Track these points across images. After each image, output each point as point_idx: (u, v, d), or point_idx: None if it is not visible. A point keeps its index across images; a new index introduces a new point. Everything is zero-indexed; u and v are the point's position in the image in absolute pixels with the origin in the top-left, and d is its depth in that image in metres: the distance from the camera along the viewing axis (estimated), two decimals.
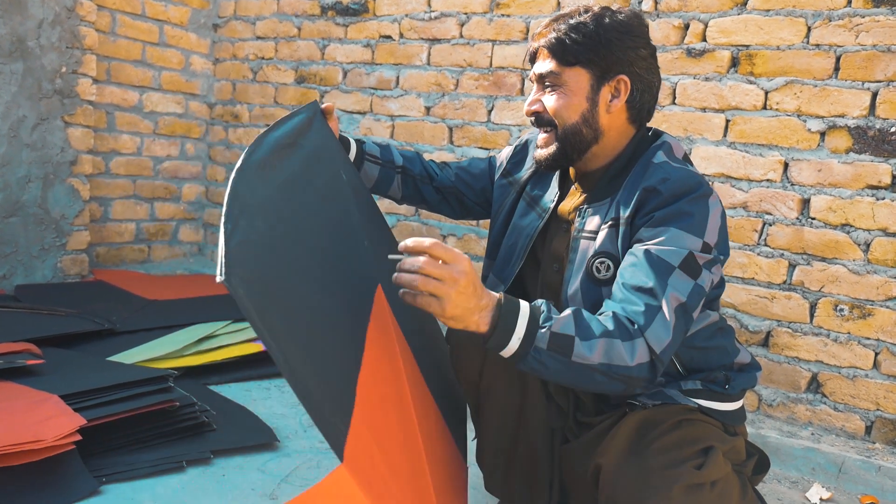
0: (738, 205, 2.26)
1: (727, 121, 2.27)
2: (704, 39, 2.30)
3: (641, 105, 1.37)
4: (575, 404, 1.49)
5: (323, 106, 1.57)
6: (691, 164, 1.39)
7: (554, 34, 1.35)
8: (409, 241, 1.09)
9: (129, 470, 1.67)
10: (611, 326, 1.15)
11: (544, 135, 1.40)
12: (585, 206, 1.39)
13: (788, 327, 2.19)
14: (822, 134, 2.12)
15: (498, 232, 1.60)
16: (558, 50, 1.34)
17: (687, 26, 2.33)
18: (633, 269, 1.23)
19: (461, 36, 2.84)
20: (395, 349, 1.32)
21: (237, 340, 2.48)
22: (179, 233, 3.74)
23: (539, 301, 1.17)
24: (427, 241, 1.08)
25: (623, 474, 1.20)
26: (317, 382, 0.97)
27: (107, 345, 2.36)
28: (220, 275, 0.84)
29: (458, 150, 2.86)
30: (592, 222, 1.37)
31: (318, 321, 1.10)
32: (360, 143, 1.67)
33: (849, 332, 2.10)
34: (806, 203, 2.16)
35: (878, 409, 2.07)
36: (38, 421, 1.60)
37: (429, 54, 2.94)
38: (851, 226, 2.09)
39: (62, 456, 1.58)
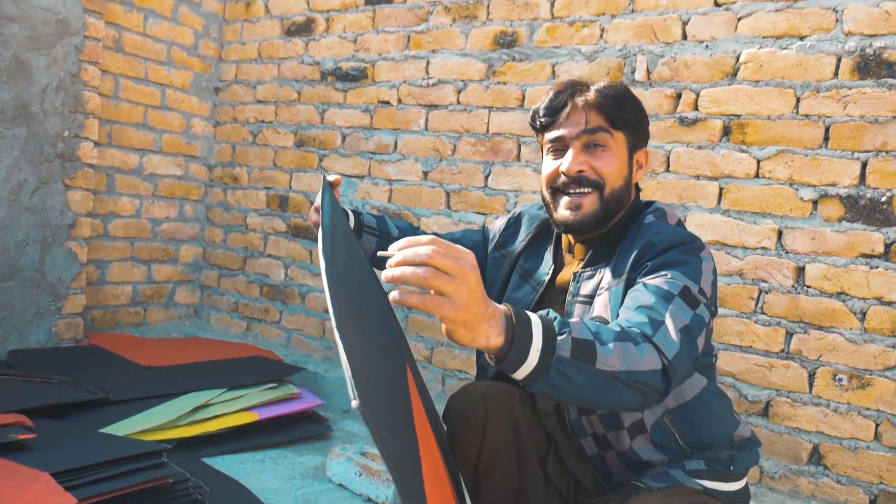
0: (733, 272, 2.27)
1: (721, 188, 2.30)
2: (696, 108, 2.34)
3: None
4: (575, 487, 1.47)
5: (331, 179, 1.58)
6: (685, 230, 1.40)
7: (604, 95, 1.36)
8: (402, 241, 0.95)
9: None
10: (620, 332, 1.10)
11: (583, 196, 1.37)
12: (581, 271, 1.40)
13: (788, 397, 2.17)
14: (815, 202, 2.14)
15: None
16: (611, 111, 1.36)
17: (679, 96, 2.38)
18: (632, 295, 1.23)
19: (458, 102, 2.89)
20: (427, 429, 1.31)
21: (231, 410, 2.45)
22: (176, 295, 3.73)
23: (542, 311, 1.08)
24: (425, 238, 0.94)
25: None
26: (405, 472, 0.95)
27: (100, 414, 2.33)
28: (354, 398, 0.79)
29: (455, 214, 2.88)
30: (588, 286, 1.38)
31: (395, 410, 1.08)
32: (357, 214, 1.67)
33: (848, 403, 2.09)
34: (801, 271, 2.16)
35: (881, 483, 2.04)
36: (29, 503, 1.57)
37: (426, 120, 2.98)
38: (847, 294, 2.09)
39: None
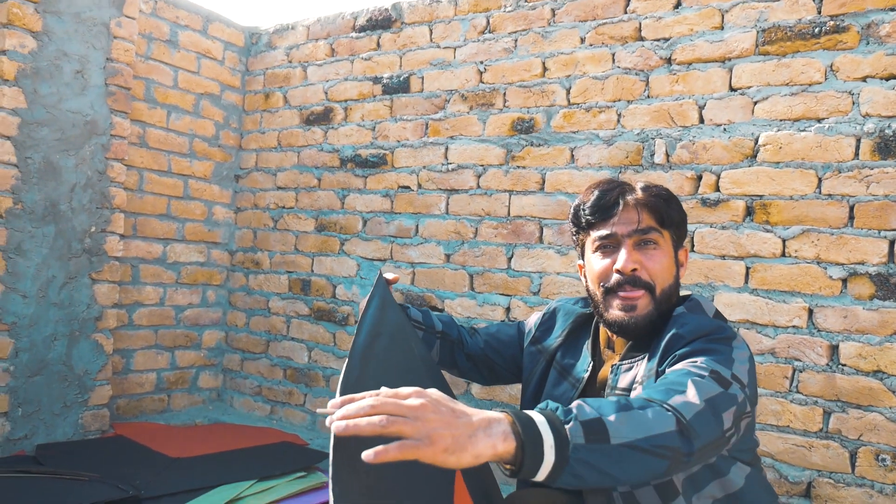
0: (766, 351, 2.26)
1: (747, 268, 2.31)
2: (718, 190, 2.38)
3: None
4: None
5: (389, 277, 1.60)
6: (723, 320, 1.40)
7: (652, 195, 1.39)
8: (337, 400, 0.94)
9: None
10: (617, 402, 1.06)
11: (637, 298, 1.36)
12: (619, 363, 1.40)
13: (830, 477, 2.14)
14: (844, 281, 2.15)
15: (529, 400, 1.59)
16: (661, 210, 1.38)
17: (700, 177, 2.42)
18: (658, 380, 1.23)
19: (479, 186, 2.94)
20: None
21: (263, 502, 2.42)
22: (199, 380, 3.73)
23: (539, 405, 1.05)
24: (364, 393, 0.92)
25: None
26: None
27: None
28: None
29: (479, 296, 2.89)
30: (625, 379, 1.38)
31: None
32: (404, 308, 1.68)
33: (893, 484, 2.05)
34: (835, 349, 2.16)
35: None
36: None
37: (447, 203, 3.03)
38: (884, 372, 2.08)
39: None
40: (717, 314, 1.42)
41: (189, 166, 3.62)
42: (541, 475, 0.96)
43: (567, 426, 0.98)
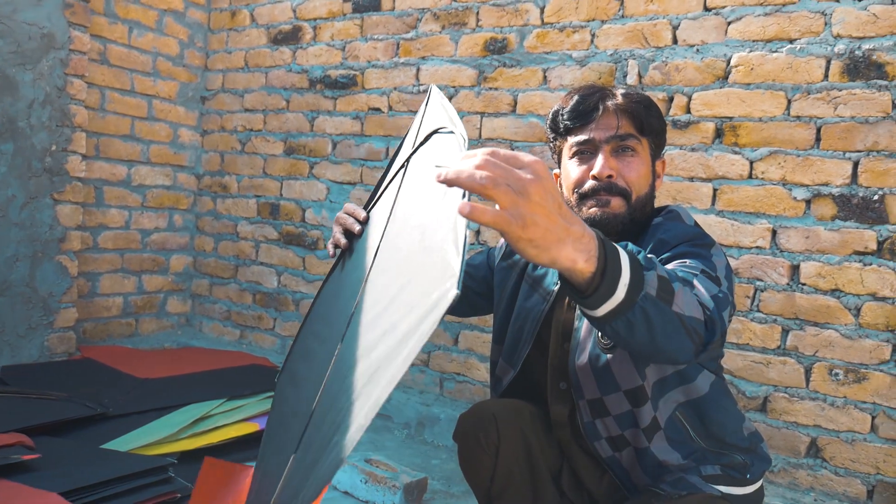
0: None
1: (714, 190, 2.33)
2: (689, 112, 2.37)
3: None
4: (591, 500, 1.48)
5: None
6: (695, 227, 1.39)
7: (633, 101, 1.36)
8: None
9: None
10: (680, 274, 1.06)
11: (611, 200, 1.34)
12: None
13: (785, 392, 2.21)
14: (808, 202, 2.18)
15: (503, 316, 1.57)
16: (640, 117, 1.35)
17: (671, 99, 2.41)
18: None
19: None
20: None
21: (233, 420, 2.45)
22: (167, 305, 3.71)
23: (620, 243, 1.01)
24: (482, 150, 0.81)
25: None
26: None
27: (100, 430, 2.31)
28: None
29: None
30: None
31: None
32: None
33: (845, 397, 2.13)
34: (796, 269, 2.20)
35: (878, 473, 2.08)
36: None
37: None
38: (841, 291, 2.13)
39: None
40: (696, 224, 1.42)
41: (153, 86, 3.52)
42: (602, 309, 0.92)
43: (647, 273, 0.95)
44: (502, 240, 1.66)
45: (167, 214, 3.66)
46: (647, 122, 1.36)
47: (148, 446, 2.21)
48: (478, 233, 2.83)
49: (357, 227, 1.39)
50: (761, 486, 1.40)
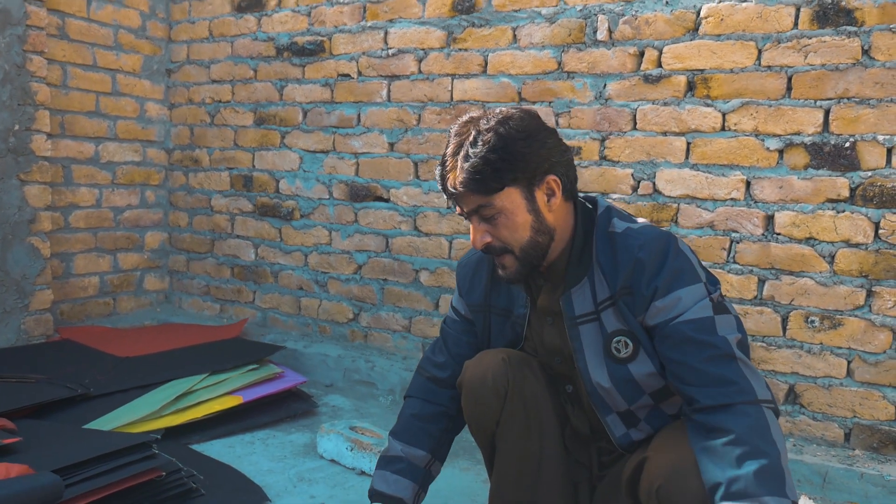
0: (705, 224, 2.31)
1: (688, 143, 2.33)
2: (660, 66, 2.36)
3: (571, 184, 1.38)
4: (598, 462, 1.51)
5: None
6: (650, 228, 1.39)
7: (465, 174, 1.29)
8: None
9: None
10: (758, 465, 1.14)
11: (500, 260, 1.37)
12: (568, 293, 1.38)
13: (763, 341, 2.24)
14: (781, 152, 2.19)
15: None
16: (478, 186, 1.29)
17: (642, 53, 2.39)
18: (681, 345, 1.27)
19: (420, 72, 2.86)
20: None
21: (215, 395, 2.44)
22: (144, 282, 3.67)
23: None
24: None
25: (667, 459, 1.23)
26: None
27: (82, 411, 2.30)
28: None
29: (425, 184, 2.87)
30: (583, 305, 1.38)
31: None
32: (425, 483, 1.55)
33: (821, 343, 2.16)
34: (770, 219, 2.22)
35: (854, 416, 2.13)
36: None
37: (389, 91, 2.95)
38: (816, 239, 2.15)
39: None
40: (629, 215, 1.43)
41: (116, 60, 3.43)
42: None
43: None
44: (456, 295, 1.61)
45: (139, 191, 3.61)
46: (491, 180, 1.28)
47: (131, 424, 2.21)
48: None
49: None
50: None
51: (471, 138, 1.30)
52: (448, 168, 1.33)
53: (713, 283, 1.34)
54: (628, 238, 1.34)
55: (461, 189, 1.30)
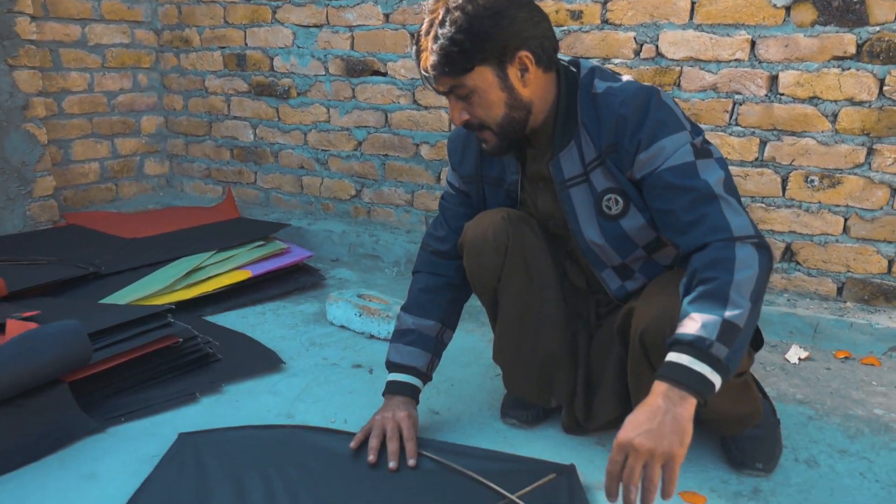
0: (707, 87, 2.28)
1: (693, 3, 2.26)
2: None
3: (548, 55, 1.35)
4: (596, 312, 1.57)
5: None
6: (631, 83, 1.38)
7: (435, 56, 1.28)
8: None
9: (144, 407, 1.71)
10: (721, 286, 1.16)
11: (480, 135, 1.39)
12: (556, 157, 1.40)
13: (762, 202, 2.27)
14: (788, 8, 2.13)
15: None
16: (448, 67, 1.28)
17: None
18: (663, 193, 1.29)
19: None
20: None
21: (225, 269, 2.50)
22: (145, 167, 3.66)
23: (677, 334, 1.16)
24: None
25: (651, 307, 1.28)
26: None
27: (95, 288, 2.35)
28: None
29: None
30: (572, 168, 1.39)
31: None
32: (423, 375, 1.58)
33: (819, 202, 2.18)
34: (774, 79, 2.19)
35: (848, 271, 2.18)
36: None
37: None
38: (819, 98, 2.13)
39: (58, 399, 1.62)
40: (614, 73, 1.41)
41: None
42: (718, 387, 1.13)
43: (711, 349, 1.11)
44: (450, 168, 1.63)
45: (130, 74, 3.53)
46: (460, 61, 1.28)
47: (144, 299, 2.27)
48: None
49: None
50: None
51: (440, 17, 1.28)
52: (421, 48, 1.33)
53: (696, 131, 1.34)
54: (609, 96, 1.34)
55: (433, 71, 1.31)
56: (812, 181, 2.18)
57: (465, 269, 1.56)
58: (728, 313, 1.12)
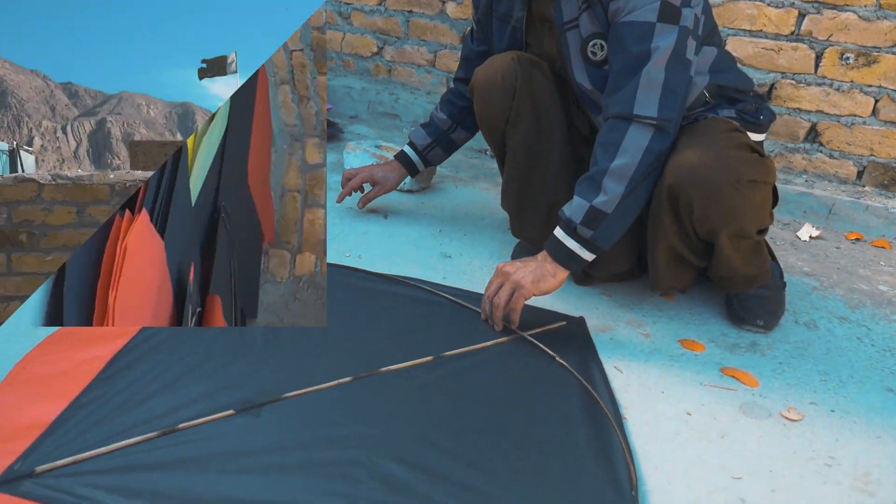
0: None
1: None
2: None
3: None
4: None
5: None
6: None
7: None
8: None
9: None
10: (602, 151, 1.28)
11: None
12: (556, 1, 1.40)
13: (793, 79, 2.21)
14: None
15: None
16: None
17: None
18: (615, 47, 1.31)
19: None
20: None
21: None
22: None
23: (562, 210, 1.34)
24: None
25: (694, 158, 1.28)
26: None
27: None
28: None
29: None
30: (570, 11, 1.40)
31: None
32: (418, 152, 1.87)
33: (852, 81, 2.13)
34: None
35: (871, 155, 2.16)
36: None
37: None
38: None
39: None
40: None
41: None
42: (588, 261, 1.34)
43: (576, 230, 1.30)
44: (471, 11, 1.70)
45: None
46: None
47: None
48: None
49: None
50: (764, 140, 1.49)
51: None
52: None
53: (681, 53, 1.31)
54: None
55: None
56: (847, 58, 2.12)
57: (475, 111, 1.58)
58: (597, 200, 1.28)
